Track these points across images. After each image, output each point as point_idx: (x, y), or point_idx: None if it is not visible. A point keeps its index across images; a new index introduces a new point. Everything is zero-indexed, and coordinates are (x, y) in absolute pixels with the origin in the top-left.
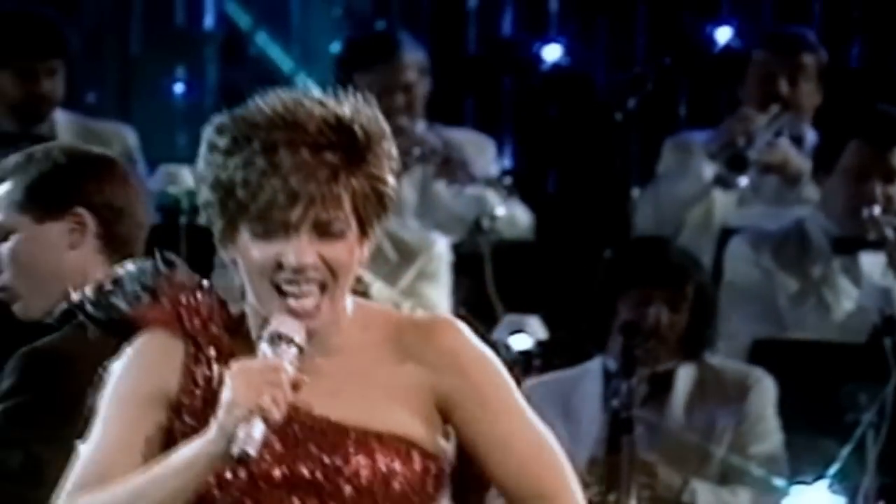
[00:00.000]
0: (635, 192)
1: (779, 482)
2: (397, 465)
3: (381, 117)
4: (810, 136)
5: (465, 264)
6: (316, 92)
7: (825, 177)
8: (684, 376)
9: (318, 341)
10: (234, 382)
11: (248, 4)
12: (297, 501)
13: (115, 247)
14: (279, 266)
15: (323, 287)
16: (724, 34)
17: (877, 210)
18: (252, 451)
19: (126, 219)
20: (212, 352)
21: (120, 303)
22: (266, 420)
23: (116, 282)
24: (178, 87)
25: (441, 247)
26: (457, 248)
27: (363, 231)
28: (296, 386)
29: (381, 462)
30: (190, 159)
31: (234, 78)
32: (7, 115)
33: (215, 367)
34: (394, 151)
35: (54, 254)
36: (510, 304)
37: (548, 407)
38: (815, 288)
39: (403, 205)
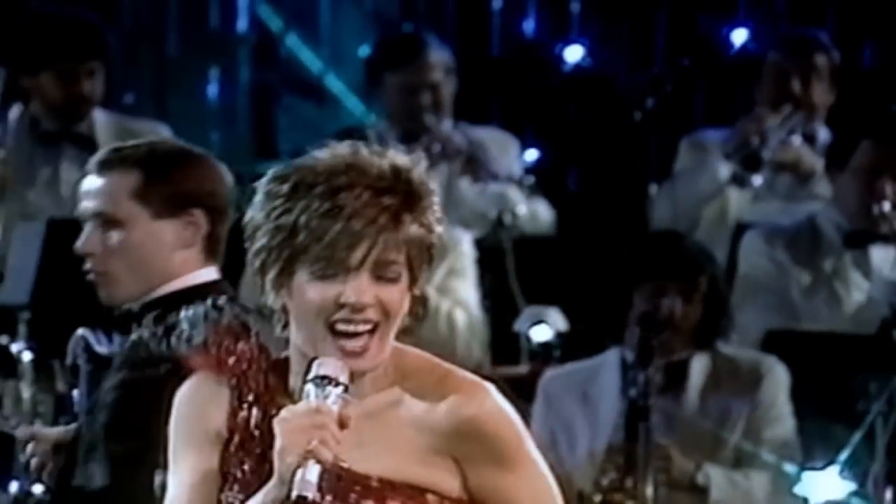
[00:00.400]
0: (653, 189)
1: (791, 468)
2: None
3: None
4: (823, 134)
5: (488, 258)
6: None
7: (837, 174)
8: (698, 366)
9: (359, 396)
10: (283, 429)
11: (280, 8)
12: None
13: (214, 247)
14: (337, 306)
15: (374, 328)
16: (740, 36)
17: (887, 206)
18: (309, 494)
19: (225, 221)
20: (251, 396)
21: (178, 345)
22: (319, 461)
23: (175, 324)
24: (212, 88)
25: (467, 244)
26: (479, 243)
27: (412, 278)
28: (342, 424)
29: None
30: (222, 157)
31: (266, 78)
32: (48, 115)
33: (254, 410)
34: (438, 207)
35: (164, 251)
36: (531, 297)
37: (567, 396)
38: (826, 281)
39: None
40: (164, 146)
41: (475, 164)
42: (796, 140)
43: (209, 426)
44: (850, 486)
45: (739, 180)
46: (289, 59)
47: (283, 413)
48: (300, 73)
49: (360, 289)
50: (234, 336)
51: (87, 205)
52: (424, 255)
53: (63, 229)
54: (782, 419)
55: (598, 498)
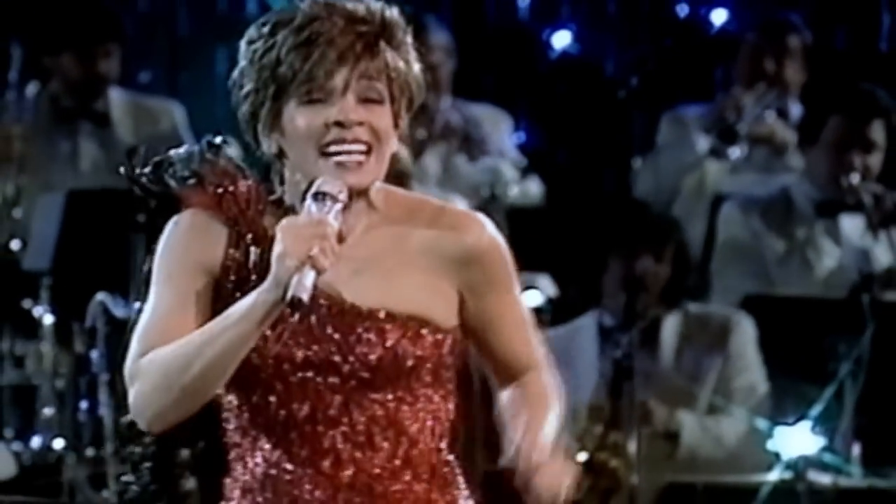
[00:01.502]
0: (637, 163)
1: (763, 423)
2: (408, 344)
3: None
4: (795, 110)
5: None
6: None
7: (809, 147)
8: (670, 324)
9: (346, 229)
10: (284, 236)
11: None
12: (320, 380)
13: None
14: (326, 128)
15: (368, 150)
16: (719, 18)
17: (856, 178)
18: (304, 297)
19: None
20: (249, 236)
21: (171, 181)
22: (316, 269)
23: (169, 163)
24: (222, 66)
25: None
26: None
27: (395, 110)
28: (341, 238)
29: (391, 341)
30: (232, 132)
31: None
32: (67, 93)
33: (252, 249)
34: (414, 50)
35: None
36: (522, 264)
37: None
38: (799, 248)
39: (427, 175)
40: None
41: (471, 142)
42: (770, 115)
43: (202, 258)
44: (820, 441)
45: (717, 153)
46: None
47: (285, 222)
48: None
49: (346, 108)
50: (232, 176)
51: None
52: (405, 89)
53: (82, 200)
54: (751, 369)
55: (583, 457)
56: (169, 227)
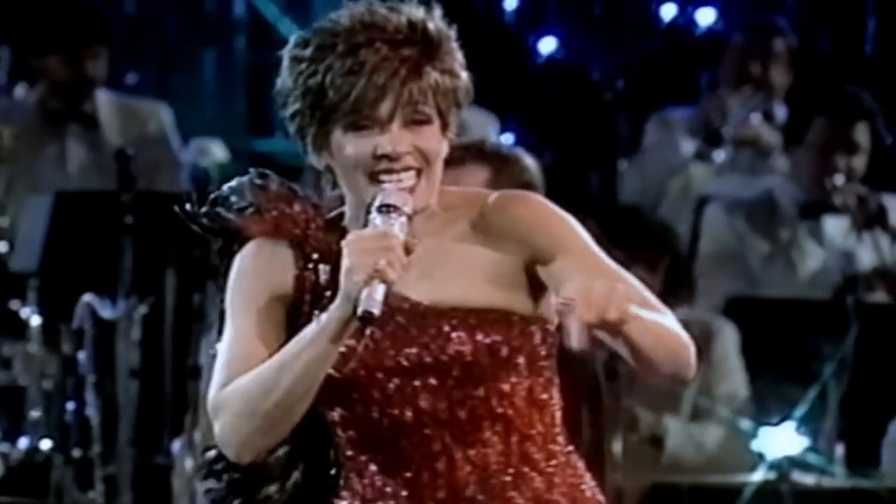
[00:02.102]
0: (623, 165)
1: (747, 424)
2: (498, 336)
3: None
4: (780, 112)
5: None
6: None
7: (794, 149)
8: None
9: (418, 234)
10: (351, 251)
11: None
12: (417, 383)
13: None
14: (375, 158)
15: (419, 173)
16: (705, 19)
17: (840, 180)
18: (375, 311)
19: None
20: (315, 255)
21: (228, 215)
22: (385, 281)
23: (223, 198)
24: (210, 69)
25: None
26: None
27: (444, 122)
28: (408, 249)
29: (481, 335)
30: (219, 134)
31: (260, 61)
32: (55, 95)
33: (321, 266)
34: (460, 52)
35: None
36: None
37: None
38: (783, 250)
39: None
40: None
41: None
42: (756, 118)
43: (273, 283)
44: (804, 441)
45: (703, 155)
46: (282, 43)
47: (351, 236)
48: None
49: (395, 139)
50: (286, 199)
51: None
52: (451, 100)
53: (69, 202)
54: (733, 374)
55: None
56: (237, 261)
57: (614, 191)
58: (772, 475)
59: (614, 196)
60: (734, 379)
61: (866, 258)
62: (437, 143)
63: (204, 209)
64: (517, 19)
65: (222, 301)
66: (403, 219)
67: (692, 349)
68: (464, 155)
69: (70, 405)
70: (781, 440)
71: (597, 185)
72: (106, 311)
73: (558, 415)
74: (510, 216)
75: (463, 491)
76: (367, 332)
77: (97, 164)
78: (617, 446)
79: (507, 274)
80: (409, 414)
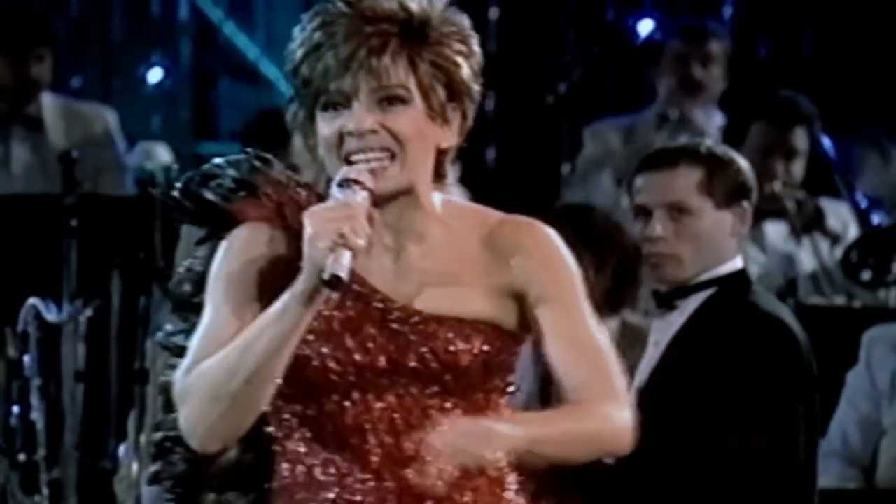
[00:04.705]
0: (565, 168)
1: None
2: (492, 350)
3: (455, 12)
4: (718, 118)
5: None
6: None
7: None
8: (609, 330)
9: (415, 237)
10: (312, 220)
11: None
12: (401, 389)
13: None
14: (343, 137)
15: (392, 156)
16: (646, 26)
17: (778, 185)
18: (343, 274)
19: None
20: None
21: (210, 195)
22: (350, 248)
23: (208, 176)
24: (155, 72)
25: None
26: None
27: (430, 107)
28: (371, 220)
29: (478, 347)
30: (165, 138)
31: (205, 64)
32: None
33: None
34: (473, 45)
35: (720, 236)
36: None
37: None
38: None
39: None
40: (720, 147)
41: None
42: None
43: (263, 274)
44: None
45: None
46: (226, 46)
47: (312, 208)
48: (238, 58)
49: (358, 116)
50: (288, 185)
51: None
52: (445, 89)
53: (13, 205)
54: None
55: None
56: (226, 243)
57: (558, 194)
58: None
59: (557, 199)
60: None
61: (806, 261)
62: (412, 126)
63: (180, 190)
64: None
65: (195, 293)
66: (366, 193)
67: (627, 435)
68: (676, 156)
69: (15, 409)
70: None
71: (539, 189)
72: (51, 315)
73: None
74: (516, 243)
75: (424, 500)
76: (334, 295)
77: (41, 167)
78: None
79: (500, 292)
80: (384, 417)
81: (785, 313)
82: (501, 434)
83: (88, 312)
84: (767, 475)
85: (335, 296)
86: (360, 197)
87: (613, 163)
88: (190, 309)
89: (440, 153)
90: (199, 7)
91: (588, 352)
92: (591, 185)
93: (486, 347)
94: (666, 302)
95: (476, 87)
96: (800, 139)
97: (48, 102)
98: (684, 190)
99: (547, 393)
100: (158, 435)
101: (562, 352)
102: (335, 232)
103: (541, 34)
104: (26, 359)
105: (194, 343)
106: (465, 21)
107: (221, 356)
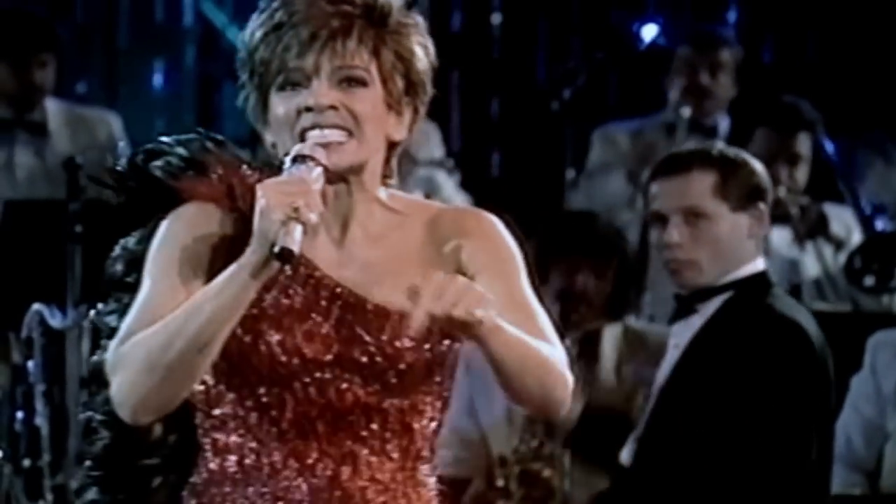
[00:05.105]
0: (570, 174)
1: None
2: (438, 347)
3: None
4: (724, 124)
5: None
6: None
7: None
8: (610, 336)
9: (362, 225)
10: (266, 192)
11: (222, 3)
12: (344, 384)
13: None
14: (300, 114)
15: (349, 134)
16: (649, 32)
17: (782, 191)
18: (294, 248)
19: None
20: None
21: (157, 172)
22: (302, 223)
23: (155, 152)
24: (159, 78)
25: None
26: None
27: (389, 93)
28: (324, 197)
29: (421, 342)
30: None
31: (209, 69)
32: (2, 103)
33: None
34: (428, 42)
35: (738, 239)
36: None
37: (487, 368)
38: None
39: None
40: (732, 150)
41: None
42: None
43: (204, 253)
44: None
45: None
46: (231, 51)
47: (266, 182)
48: None
49: (319, 92)
50: (239, 166)
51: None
52: (403, 79)
53: (18, 211)
54: None
55: (516, 469)
56: (166, 223)
57: (562, 200)
58: None
59: (561, 206)
60: None
61: (810, 267)
62: (374, 108)
63: (125, 166)
64: (461, 29)
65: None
66: (320, 169)
67: (569, 386)
68: (689, 161)
69: (19, 414)
70: None
71: (543, 196)
72: (55, 321)
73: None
74: (459, 228)
75: (356, 499)
76: (285, 268)
77: (46, 173)
78: (566, 457)
79: None
80: (324, 411)
81: (802, 316)
82: (486, 299)
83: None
84: (781, 477)
85: (286, 268)
86: (315, 173)
87: (623, 165)
88: (122, 289)
89: (390, 147)
90: (203, 12)
91: (532, 314)
92: (599, 188)
93: (428, 345)
94: (686, 306)
95: (429, 84)
96: (803, 145)
97: (52, 108)
98: (699, 194)
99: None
100: (84, 415)
101: (506, 315)
102: (289, 205)
103: (545, 40)
104: (31, 364)
105: (129, 316)
106: (420, 18)
107: (159, 326)
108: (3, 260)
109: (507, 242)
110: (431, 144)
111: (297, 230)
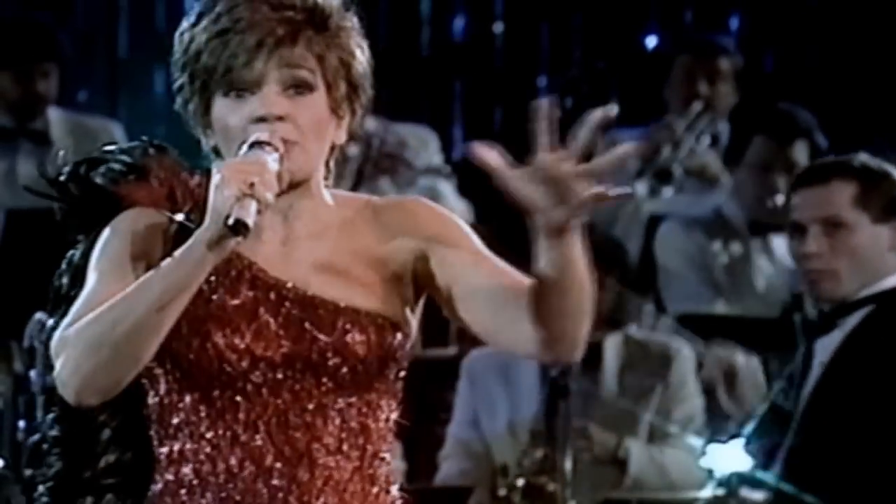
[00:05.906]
0: None
1: (697, 441)
2: (390, 344)
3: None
4: (724, 132)
5: None
6: None
7: (735, 169)
8: (612, 347)
9: (305, 224)
10: (223, 169)
11: None
12: (297, 385)
13: None
14: (249, 123)
15: (296, 144)
16: (651, 41)
17: (780, 200)
18: (249, 220)
19: None
20: None
21: (99, 179)
22: (257, 199)
23: (97, 160)
24: (161, 86)
25: None
26: None
27: (334, 101)
28: (280, 178)
29: (373, 338)
30: None
31: None
32: (5, 113)
33: None
34: (364, 43)
35: (878, 251)
36: None
37: (489, 375)
38: (735, 268)
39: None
40: (877, 162)
41: (395, 161)
42: (706, 140)
43: (145, 255)
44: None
45: (654, 192)
46: None
47: (223, 162)
48: None
49: (269, 101)
50: (180, 170)
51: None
52: (346, 83)
53: (20, 220)
54: (691, 397)
55: (521, 482)
56: (108, 228)
57: None
58: (721, 491)
59: None
60: (692, 402)
61: None
62: (319, 114)
63: (67, 175)
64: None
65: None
66: (276, 154)
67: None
68: (829, 171)
69: (21, 424)
70: (730, 457)
71: None
72: None
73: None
74: (404, 212)
75: (315, 500)
76: (238, 240)
77: (48, 182)
78: (568, 463)
79: (392, 283)
80: (277, 412)
81: None
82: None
83: None
84: None
85: (232, 272)
86: (272, 157)
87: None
88: (68, 303)
89: (330, 149)
90: None
91: (505, 266)
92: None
93: (379, 340)
94: (829, 321)
95: (368, 86)
96: (800, 152)
97: (54, 117)
98: (838, 204)
99: (554, 408)
100: (34, 438)
101: (487, 272)
102: (244, 182)
103: (547, 49)
104: (32, 374)
105: (75, 306)
106: (356, 19)
107: (106, 306)
108: (6, 269)
109: (450, 216)
110: (430, 151)
111: (252, 206)
